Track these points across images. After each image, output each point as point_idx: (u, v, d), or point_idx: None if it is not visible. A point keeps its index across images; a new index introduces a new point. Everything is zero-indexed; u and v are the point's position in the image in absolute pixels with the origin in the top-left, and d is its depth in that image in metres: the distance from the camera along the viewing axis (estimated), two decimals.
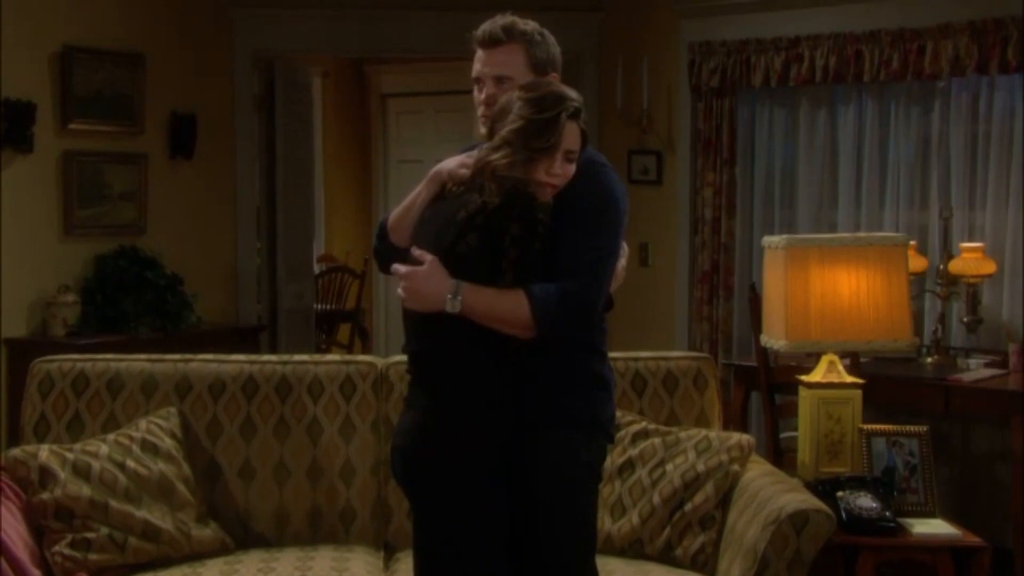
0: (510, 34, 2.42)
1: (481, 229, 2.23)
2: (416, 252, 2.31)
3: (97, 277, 4.89)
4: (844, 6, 4.89)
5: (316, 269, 7.79)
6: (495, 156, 2.25)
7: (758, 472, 3.04)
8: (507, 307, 2.25)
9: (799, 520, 2.68)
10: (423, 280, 2.27)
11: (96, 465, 2.89)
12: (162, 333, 4.90)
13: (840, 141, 5.05)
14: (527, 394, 2.33)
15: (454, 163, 2.37)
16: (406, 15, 5.67)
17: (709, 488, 2.98)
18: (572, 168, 2.31)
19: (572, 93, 2.31)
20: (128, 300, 4.86)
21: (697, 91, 5.30)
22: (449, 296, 2.24)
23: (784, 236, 3.33)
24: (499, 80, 2.40)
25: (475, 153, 2.34)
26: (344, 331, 7.88)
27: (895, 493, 3.07)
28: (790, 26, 5.00)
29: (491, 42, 2.42)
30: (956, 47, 4.53)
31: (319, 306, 7.43)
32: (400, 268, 2.32)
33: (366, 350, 7.80)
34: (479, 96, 2.45)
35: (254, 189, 5.81)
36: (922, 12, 4.66)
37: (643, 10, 5.56)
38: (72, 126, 4.85)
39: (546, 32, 2.47)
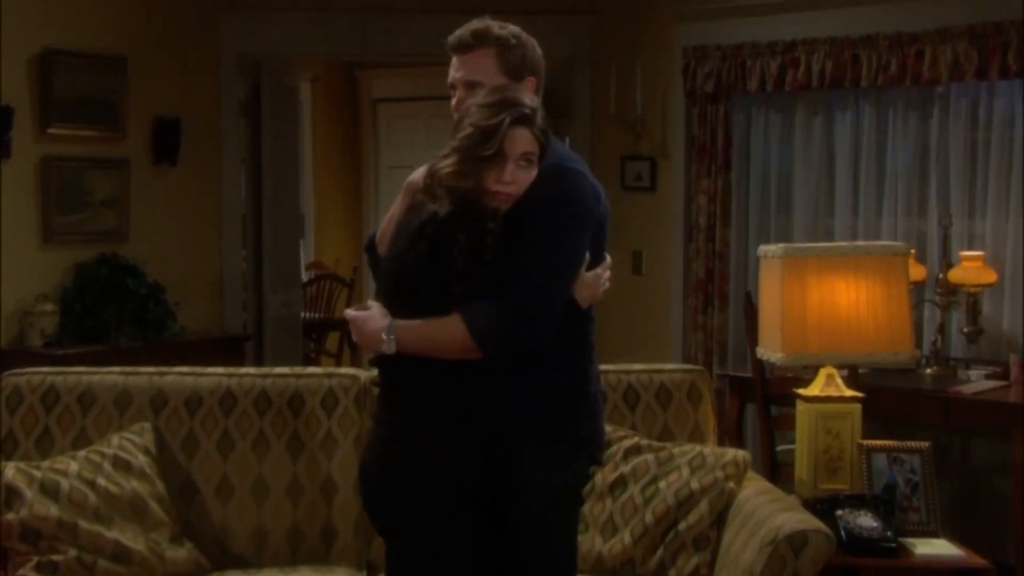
0: (481, 39, 2.35)
1: (430, 238, 2.18)
2: (368, 301, 2.31)
3: (77, 286, 4.78)
4: (841, 10, 4.81)
5: (305, 277, 7.70)
6: (442, 164, 2.19)
7: (754, 490, 2.94)
8: (443, 335, 2.18)
9: (797, 541, 2.58)
10: (363, 323, 2.26)
11: (65, 483, 2.78)
12: (143, 343, 4.79)
13: (837, 147, 4.97)
14: (502, 409, 2.24)
15: (419, 173, 2.31)
16: (397, 18, 5.58)
17: (704, 507, 2.89)
18: (530, 174, 2.21)
19: (526, 99, 2.23)
20: (109, 309, 4.75)
21: (692, 96, 5.22)
22: (384, 336, 2.20)
23: (781, 245, 3.24)
24: (470, 86, 2.33)
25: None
26: (334, 340, 7.78)
27: (896, 512, 2.97)
28: (786, 30, 4.92)
29: (461, 47, 2.37)
30: (955, 51, 4.45)
31: (308, 314, 7.34)
32: (348, 312, 2.32)
33: (355, 359, 7.69)
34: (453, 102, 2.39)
35: (240, 195, 5.71)
36: (920, 16, 4.58)
37: (637, 14, 5.48)
38: (52, 131, 4.74)
39: (524, 36, 2.39)
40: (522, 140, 2.19)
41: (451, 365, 2.20)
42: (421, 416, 2.23)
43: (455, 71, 2.38)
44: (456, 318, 2.17)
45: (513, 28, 2.38)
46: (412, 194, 2.32)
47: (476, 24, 2.38)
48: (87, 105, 4.86)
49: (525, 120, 2.20)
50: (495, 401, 2.23)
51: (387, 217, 2.40)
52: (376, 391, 2.38)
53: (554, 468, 2.27)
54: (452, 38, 2.39)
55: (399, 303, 2.23)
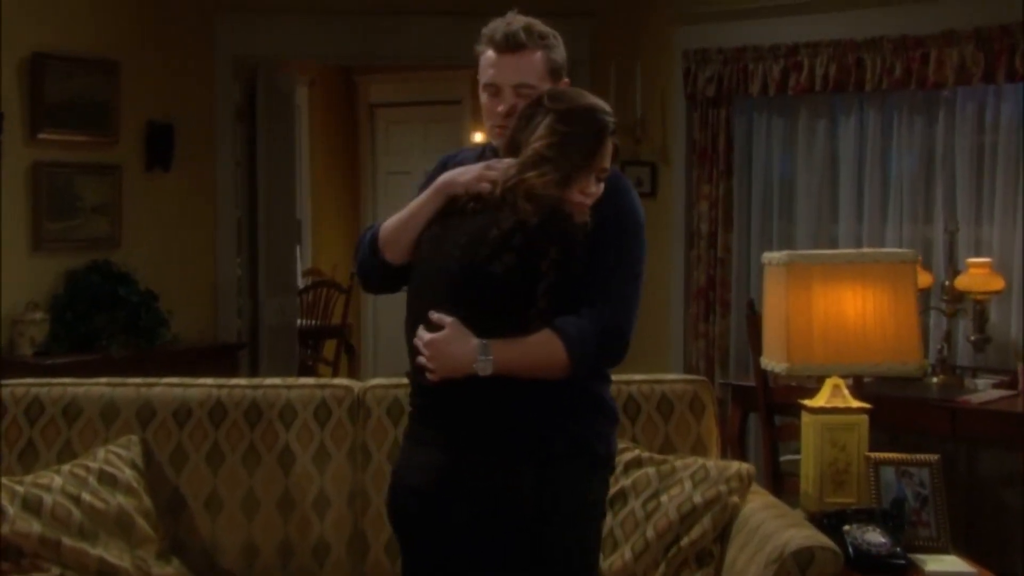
0: (531, 37, 2.22)
1: (519, 250, 2.06)
2: (435, 316, 2.12)
3: (67, 293, 4.71)
4: (844, 13, 4.75)
5: (302, 283, 7.63)
6: (531, 174, 2.07)
7: (759, 504, 2.86)
8: (542, 355, 2.09)
9: (803, 558, 2.49)
10: (447, 345, 2.09)
11: (48, 499, 2.69)
12: (136, 352, 4.72)
13: (841, 152, 4.91)
14: (543, 421, 2.16)
15: (471, 176, 2.16)
16: (395, 21, 5.50)
17: (707, 521, 2.80)
18: (602, 187, 2.15)
19: (605, 105, 2.16)
20: (100, 317, 4.69)
21: (692, 100, 5.15)
22: (480, 357, 2.06)
23: (785, 252, 3.15)
24: (519, 89, 2.21)
25: (497, 166, 2.15)
26: (330, 347, 7.70)
27: (905, 527, 2.89)
28: (789, 33, 4.85)
29: (513, 46, 2.21)
30: (961, 55, 4.39)
31: (305, 322, 7.28)
32: (423, 335, 2.12)
33: (352, 367, 7.63)
34: (493, 105, 2.24)
35: (234, 201, 5.63)
36: (925, 19, 4.52)
37: (637, 16, 5.41)
38: (42, 135, 4.68)
39: (557, 34, 2.29)
40: (608, 152, 2.14)
41: (508, 380, 2.09)
42: (484, 435, 2.13)
43: (499, 72, 2.22)
44: (554, 337, 2.08)
45: (544, 24, 2.27)
46: (448, 197, 2.18)
47: (517, 20, 2.24)
48: (78, 109, 4.80)
49: (615, 131, 2.16)
50: (538, 413, 2.14)
51: (402, 219, 2.24)
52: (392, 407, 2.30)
53: (587, 483, 2.22)
54: (498, 35, 2.22)
55: (469, 317, 2.09)
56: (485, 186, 2.13)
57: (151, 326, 4.82)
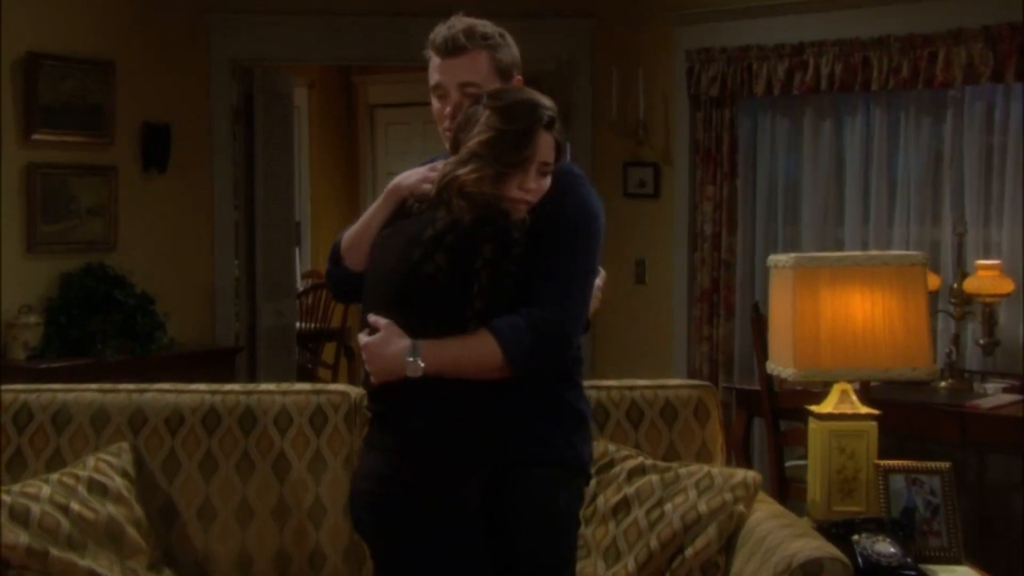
0: (472, 39, 2.24)
1: (451, 249, 2.03)
2: (372, 318, 2.11)
3: (62, 296, 4.66)
4: (850, 11, 4.69)
5: (301, 286, 7.57)
6: (462, 171, 2.05)
7: (766, 513, 2.80)
8: (475, 355, 2.05)
9: (812, 569, 2.43)
10: (380, 347, 2.08)
11: (36, 509, 2.62)
12: (131, 356, 4.66)
13: (847, 153, 4.84)
14: (509, 430, 2.14)
15: (415, 178, 2.19)
16: (393, 22, 5.44)
17: (712, 531, 2.74)
18: (547, 182, 2.12)
19: (545, 100, 2.13)
20: (95, 321, 4.64)
21: (696, 100, 5.09)
22: (409, 359, 2.03)
23: (792, 254, 3.09)
24: (464, 87, 2.23)
25: (438, 166, 2.14)
26: (330, 350, 7.65)
27: (915, 537, 2.82)
28: (793, 32, 4.79)
29: (453, 50, 2.25)
30: (969, 54, 4.33)
31: (304, 324, 7.22)
32: (361, 338, 2.13)
33: (352, 369, 7.57)
34: (441, 107, 2.28)
35: (232, 203, 5.57)
36: (933, 17, 4.46)
37: (638, 16, 5.35)
38: (36, 136, 4.63)
39: (505, 33, 2.31)
40: (546, 146, 2.10)
41: (457, 384, 2.07)
42: (429, 440, 2.09)
43: (443, 74, 2.26)
44: (487, 337, 2.05)
45: (491, 25, 2.29)
46: (399, 201, 2.19)
47: (460, 23, 2.27)
48: (73, 110, 4.75)
49: (551, 124, 2.11)
50: (503, 421, 2.12)
51: (359, 226, 2.26)
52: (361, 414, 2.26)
53: (558, 491, 2.18)
54: (439, 40, 2.27)
55: (408, 320, 2.08)
56: (427, 187, 2.13)
57: (147, 330, 4.77)
